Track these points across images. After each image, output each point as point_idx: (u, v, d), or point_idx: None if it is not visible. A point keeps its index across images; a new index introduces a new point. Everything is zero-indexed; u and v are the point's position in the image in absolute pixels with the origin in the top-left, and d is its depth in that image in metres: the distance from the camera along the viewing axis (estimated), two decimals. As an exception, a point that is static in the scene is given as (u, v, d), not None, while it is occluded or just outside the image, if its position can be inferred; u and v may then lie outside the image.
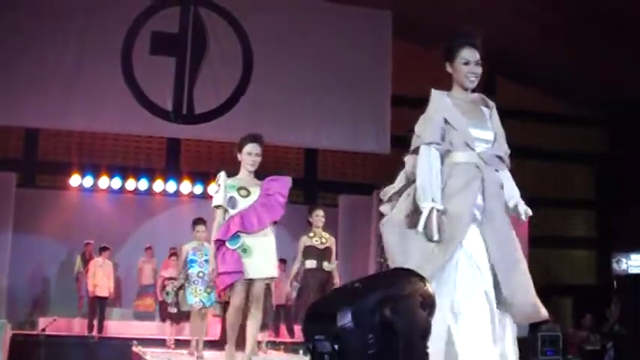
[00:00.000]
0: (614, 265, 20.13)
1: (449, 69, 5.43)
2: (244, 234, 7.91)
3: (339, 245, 12.69)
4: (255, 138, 8.29)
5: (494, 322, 4.96)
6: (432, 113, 5.35)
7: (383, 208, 5.66)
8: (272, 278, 8.51)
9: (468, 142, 5.24)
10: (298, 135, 18.11)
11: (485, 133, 5.35)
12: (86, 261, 17.90)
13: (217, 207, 8.14)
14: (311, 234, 11.36)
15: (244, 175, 8.27)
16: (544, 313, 5.19)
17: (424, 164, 5.20)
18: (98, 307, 17.18)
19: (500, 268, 5.02)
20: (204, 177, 19.23)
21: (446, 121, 5.27)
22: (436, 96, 5.43)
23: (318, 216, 11.45)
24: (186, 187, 19.52)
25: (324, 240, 11.38)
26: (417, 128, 5.38)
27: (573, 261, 21.82)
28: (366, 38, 18.81)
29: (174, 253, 15.90)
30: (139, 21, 17.77)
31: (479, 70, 5.35)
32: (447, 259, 4.97)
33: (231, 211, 8.05)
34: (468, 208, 5.09)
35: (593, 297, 19.88)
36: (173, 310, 14.24)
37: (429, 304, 4.33)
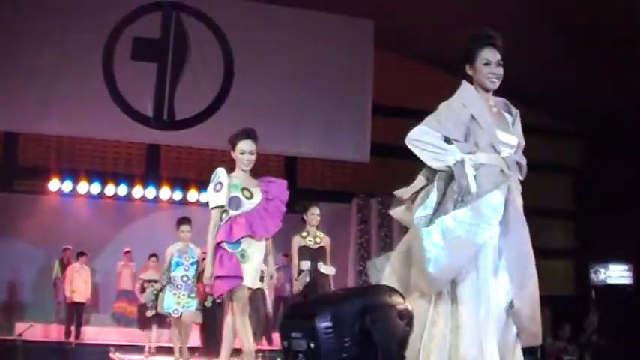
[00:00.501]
0: (592, 276, 20.17)
1: (469, 71, 5.26)
2: (245, 239, 7.30)
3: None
4: (247, 134, 7.57)
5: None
6: (459, 107, 5.15)
7: (394, 212, 5.51)
8: (256, 290, 7.88)
9: (494, 145, 5.06)
10: (279, 143, 18.05)
11: (510, 138, 5.19)
12: (64, 266, 17.80)
13: (217, 207, 7.40)
14: (304, 233, 10.84)
15: (241, 175, 7.55)
16: (539, 338, 5.11)
17: (430, 135, 5.05)
18: (75, 313, 17.10)
19: (515, 280, 4.93)
20: (184, 183, 19.21)
21: (473, 118, 5.08)
22: (466, 88, 5.26)
23: (314, 214, 10.85)
24: (165, 193, 19.45)
25: (318, 239, 10.84)
26: (438, 114, 5.16)
27: (551, 271, 21.84)
28: (347, 47, 18.83)
29: (154, 254, 15.78)
30: (120, 26, 17.76)
31: (500, 70, 5.21)
32: (477, 251, 4.83)
33: (232, 212, 7.34)
34: (500, 207, 4.90)
35: (571, 307, 19.91)
36: (152, 312, 13.49)
37: (406, 316, 4.34)
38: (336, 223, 19.14)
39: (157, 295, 12.55)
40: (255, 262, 7.39)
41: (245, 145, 7.48)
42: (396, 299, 4.37)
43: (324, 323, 4.15)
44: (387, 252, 5.52)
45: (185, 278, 11.12)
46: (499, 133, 5.10)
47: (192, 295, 11.15)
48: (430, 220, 4.94)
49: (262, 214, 7.43)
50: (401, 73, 19.52)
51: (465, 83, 5.25)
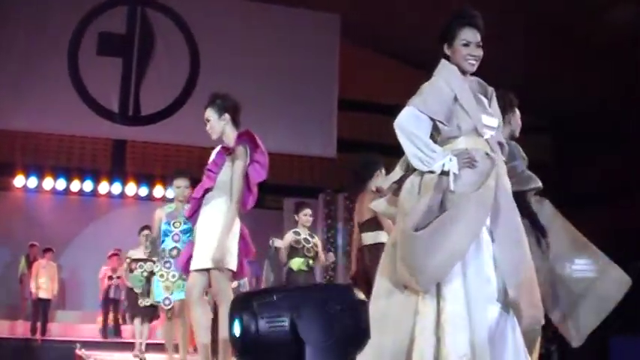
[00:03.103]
0: (565, 265, 20.30)
1: (447, 51, 4.97)
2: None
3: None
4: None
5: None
6: (442, 86, 4.84)
7: (375, 205, 5.28)
8: (203, 270, 6.46)
9: (478, 128, 4.81)
10: (245, 138, 17.96)
11: (491, 120, 4.94)
12: (30, 263, 17.73)
13: None
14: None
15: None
16: (542, 320, 4.97)
17: (411, 126, 4.73)
18: (41, 309, 17.02)
19: (507, 269, 4.68)
20: (150, 179, 19.12)
21: (456, 100, 4.80)
22: (448, 68, 4.94)
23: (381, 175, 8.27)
24: (131, 188, 19.33)
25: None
26: (417, 97, 4.82)
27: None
28: (314, 41, 18.81)
29: (146, 226, 11.68)
30: (85, 21, 17.66)
31: (480, 52, 4.91)
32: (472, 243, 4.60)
33: None
34: (491, 197, 4.68)
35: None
36: (147, 301, 10.90)
37: None
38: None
39: (147, 278, 10.42)
40: (201, 239, 6.53)
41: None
42: None
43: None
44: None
45: (175, 253, 8.74)
46: (482, 116, 4.87)
47: (185, 277, 7.54)
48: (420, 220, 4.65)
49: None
50: (367, 68, 19.52)
51: (445, 62, 4.98)
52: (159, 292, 9.03)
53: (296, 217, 10.56)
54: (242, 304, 3.46)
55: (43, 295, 16.97)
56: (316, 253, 10.33)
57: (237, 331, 3.42)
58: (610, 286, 6.24)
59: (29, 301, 17.57)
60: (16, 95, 16.93)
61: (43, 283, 17.01)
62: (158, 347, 11.33)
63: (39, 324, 16.94)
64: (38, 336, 16.62)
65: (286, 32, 18.66)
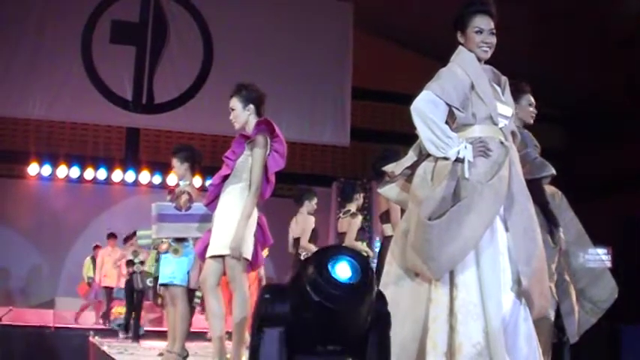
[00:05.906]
0: (572, 259, 20.24)
1: (460, 39, 4.97)
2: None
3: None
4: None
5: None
6: (459, 72, 4.85)
7: (383, 190, 5.22)
8: (219, 257, 6.51)
9: (493, 117, 4.80)
10: (258, 126, 17.94)
11: (505, 108, 4.94)
12: (96, 264, 17.52)
13: None
14: None
15: None
16: (547, 310, 4.98)
17: (428, 110, 4.72)
18: (106, 298, 16.95)
19: (521, 258, 4.68)
20: (163, 167, 19.05)
21: (472, 87, 4.80)
22: (465, 55, 4.94)
23: None
24: (145, 177, 19.27)
25: None
26: (434, 82, 4.82)
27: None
28: (327, 30, 18.79)
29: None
30: (99, 9, 17.68)
31: (493, 39, 4.91)
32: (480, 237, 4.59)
33: None
34: (505, 186, 4.67)
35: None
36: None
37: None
38: (317, 207, 19.17)
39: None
40: (218, 226, 6.56)
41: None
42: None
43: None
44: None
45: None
46: (497, 104, 4.86)
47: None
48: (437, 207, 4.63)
49: None
50: (381, 57, 19.49)
51: (462, 49, 4.97)
52: (165, 272, 8.15)
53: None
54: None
55: (107, 282, 16.68)
56: None
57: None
58: (603, 292, 6.42)
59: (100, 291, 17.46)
60: (29, 83, 16.98)
61: (108, 270, 16.80)
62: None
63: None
64: (52, 324, 16.58)
65: (299, 21, 18.64)
